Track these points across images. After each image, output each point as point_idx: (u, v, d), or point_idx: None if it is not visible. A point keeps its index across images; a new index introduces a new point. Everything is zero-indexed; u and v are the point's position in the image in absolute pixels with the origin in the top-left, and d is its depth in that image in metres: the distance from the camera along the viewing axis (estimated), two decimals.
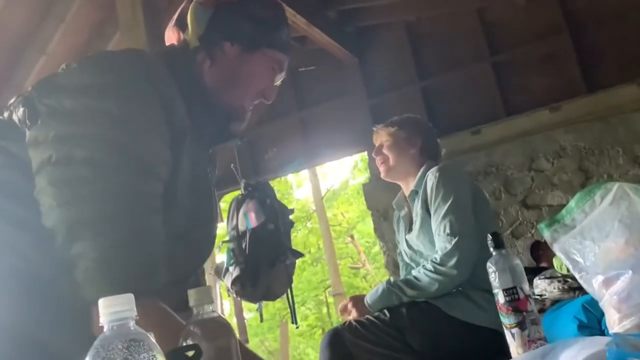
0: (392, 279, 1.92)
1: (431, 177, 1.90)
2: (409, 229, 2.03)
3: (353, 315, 1.93)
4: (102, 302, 0.56)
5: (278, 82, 1.18)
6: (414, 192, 1.98)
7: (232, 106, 1.11)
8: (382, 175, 2.11)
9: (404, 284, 1.86)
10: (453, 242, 1.77)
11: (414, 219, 1.97)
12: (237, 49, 1.10)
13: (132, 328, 0.56)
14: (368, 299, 1.94)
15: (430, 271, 1.81)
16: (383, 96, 4.52)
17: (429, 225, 1.89)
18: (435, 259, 1.81)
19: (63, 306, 0.85)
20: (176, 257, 0.98)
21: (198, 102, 1.05)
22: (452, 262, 1.76)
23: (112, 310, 0.56)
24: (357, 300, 1.96)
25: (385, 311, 1.85)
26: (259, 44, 1.11)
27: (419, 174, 2.00)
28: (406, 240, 2.03)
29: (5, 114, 0.94)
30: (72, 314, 0.85)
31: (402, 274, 2.07)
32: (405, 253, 2.05)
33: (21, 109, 0.90)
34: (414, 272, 1.87)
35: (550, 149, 3.94)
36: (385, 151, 2.07)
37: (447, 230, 1.79)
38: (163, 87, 0.95)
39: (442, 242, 1.81)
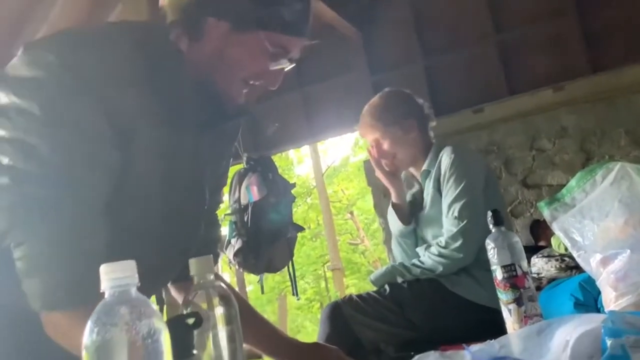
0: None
1: (446, 157, 1.87)
2: (420, 207, 2.01)
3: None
4: (103, 268, 0.56)
5: (283, 67, 1.03)
6: (426, 172, 1.95)
7: (220, 88, 1.00)
8: (394, 170, 2.02)
9: (410, 265, 1.88)
10: (460, 226, 1.77)
11: (425, 198, 1.96)
12: (225, 27, 0.97)
13: (133, 294, 0.56)
14: (371, 276, 1.97)
15: (435, 254, 1.81)
16: (386, 73, 4.48)
17: (439, 206, 1.88)
18: (440, 242, 1.81)
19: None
20: (137, 255, 0.95)
21: (174, 84, 0.97)
22: (456, 245, 1.77)
23: (114, 276, 0.56)
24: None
25: (386, 286, 1.87)
26: (250, 23, 0.96)
27: (431, 153, 1.96)
28: (417, 218, 2.01)
29: None
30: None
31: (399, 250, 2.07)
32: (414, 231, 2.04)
33: None
34: (419, 259, 1.88)
35: (552, 129, 3.92)
36: (388, 149, 2.00)
37: (455, 214, 1.79)
38: (107, 77, 0.88)
39: (449, 225, 1.81)
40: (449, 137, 2.16)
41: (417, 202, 2.04)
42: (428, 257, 1.84)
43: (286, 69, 1.05)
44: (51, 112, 0.84)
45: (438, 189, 1.89)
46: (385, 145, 2.00)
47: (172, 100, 0.96)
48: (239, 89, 1.02)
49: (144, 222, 0.95)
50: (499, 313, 1.15)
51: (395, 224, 2.03)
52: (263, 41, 0.98)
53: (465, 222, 1.77)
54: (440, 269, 1.80)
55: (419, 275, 1.84)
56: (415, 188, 2.07)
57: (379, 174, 2.06)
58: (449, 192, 1.83)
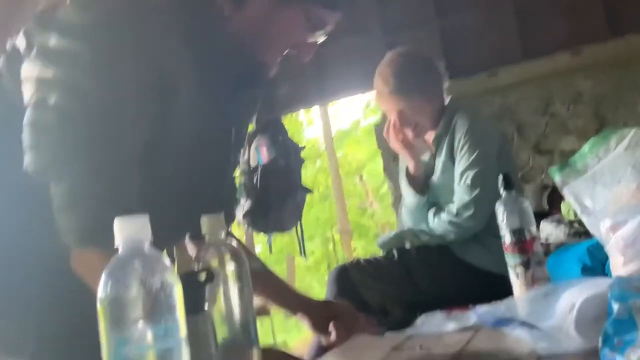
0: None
1: (461, 123, 1.84)
2: (431, 173, 1.98)
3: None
4: (117, 222, 0.57)
5: (318, 39, 1.08)
6: (439, 137, 1.92)
7: (258, 57, 1.04)
8: (411, 140, 1.98)
9: (418, 232, 1.87)
10: (472, 195, 1.76)
11: (436, 163, 1.94)
12: None
13: (146, 249, 0.57)
14: (379, 240, 1.98)
15: (446, 222, 1.81)
16: (399, 34, 4.41)
17: (450, 172, 1.86)
18: (452, 209, 1.80)
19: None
20: (162, 208, 0.94)
21: (215, 48, 1.00)
22: (468, 213, 1.76)
23: (128, 231, 0.56)
24: None
25: (394, 251, 1.88)
26: None
27: (444, 118, 1.92)
28: (427, 184, 1.98)
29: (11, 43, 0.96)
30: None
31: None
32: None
33: (24, 40, 0.93)
34: (429, 225, 1.87)
35: (567, 94, 3.86)
36: (411, 119, 1.95)
37: (468, 182, 1.77)
38: (156, 31, 0.91)
39: (461, 193, 1.79)
40: (462, 100, 2.12)
41: (428, 168, 2.01)
42: (438, 225, 1.83)
43: (319, 42, 1.09)
44: (100, 58, 0.87)
45: (451, 156, 1.87)
46: (409, 115, 1.95)
47: (210, 63, 0.99)
48: (275, 58, 1.06)
49: (173, 177, 0.98)
50: (507, 280, 1.15)
51: (411, 196, 1.97)
52: (303, 14, 1.02)
53: (477, 190, 1.76)
54: (452, 237, 1.80)
55: (428, 241, 1.85)
56: (426, 154, 2.05)
57: (397, 146, 1.99)
58: (463, 160, 1.81)
